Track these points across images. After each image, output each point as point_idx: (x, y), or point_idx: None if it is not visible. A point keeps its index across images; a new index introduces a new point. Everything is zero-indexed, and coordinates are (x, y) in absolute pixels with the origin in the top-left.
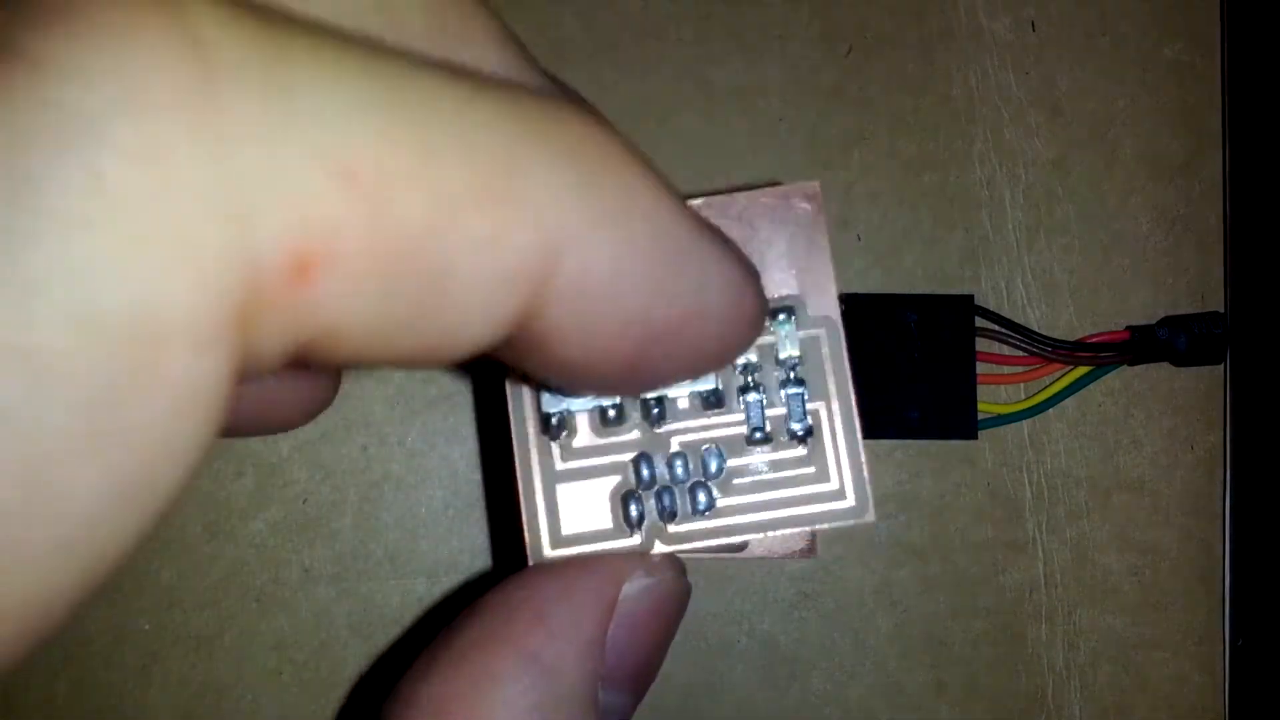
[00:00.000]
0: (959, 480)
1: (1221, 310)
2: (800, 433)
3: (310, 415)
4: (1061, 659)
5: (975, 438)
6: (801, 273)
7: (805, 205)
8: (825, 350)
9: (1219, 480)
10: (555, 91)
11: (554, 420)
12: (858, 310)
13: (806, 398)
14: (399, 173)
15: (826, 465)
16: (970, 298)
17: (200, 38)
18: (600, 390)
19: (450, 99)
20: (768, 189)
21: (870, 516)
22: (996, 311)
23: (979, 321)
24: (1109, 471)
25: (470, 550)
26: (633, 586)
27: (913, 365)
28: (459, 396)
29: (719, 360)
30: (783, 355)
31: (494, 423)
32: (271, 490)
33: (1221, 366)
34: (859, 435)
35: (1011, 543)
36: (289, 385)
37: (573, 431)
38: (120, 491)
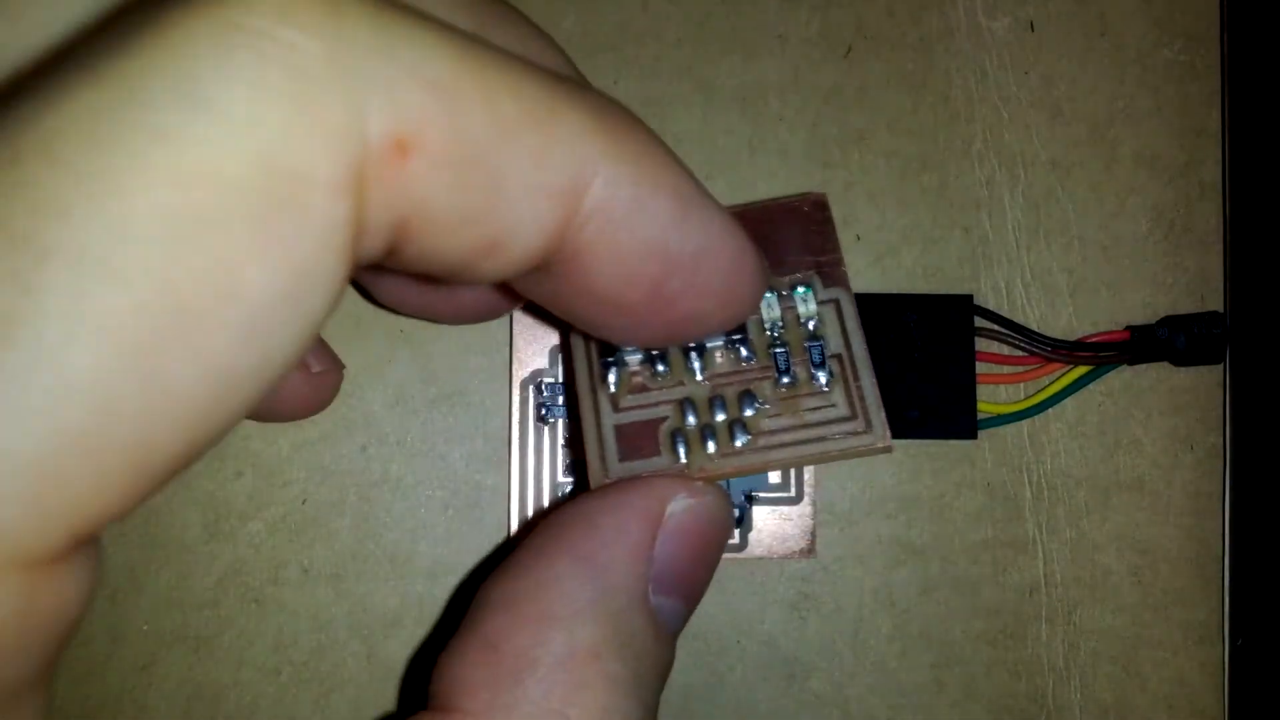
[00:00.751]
0: (959, 480)
1: (1221, 310)
2: (822, 379)
3: (317, 405)
4: (1061, 659)
5: (975, 437)
6: (817, 260)
7: (816, 207)
8: (841, 312)
9: (1219, 480)
10: (586, 83)
11: (610, 367)
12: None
13: (826, 348)
14: (467, 94)
15: (848, 400)
16: (969, 297)
17: None
18: (629, 328)
19: (504, 59)
20: (779, 199)
21: (888, 442)
22: (996, 311)
23: (978, 321)
24: (1109, 471)
25: (470, 550)
26: (678, 505)
27: (912, 365)
28: (459, 397)
29: (726, 307)
30: (803, 314)
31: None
32: (271, 490)
33: (1221, 366)
34: (873, 377)
35: (1011, 543)
36: (301, 375)
37: (626, 380)
38: (282, 292)
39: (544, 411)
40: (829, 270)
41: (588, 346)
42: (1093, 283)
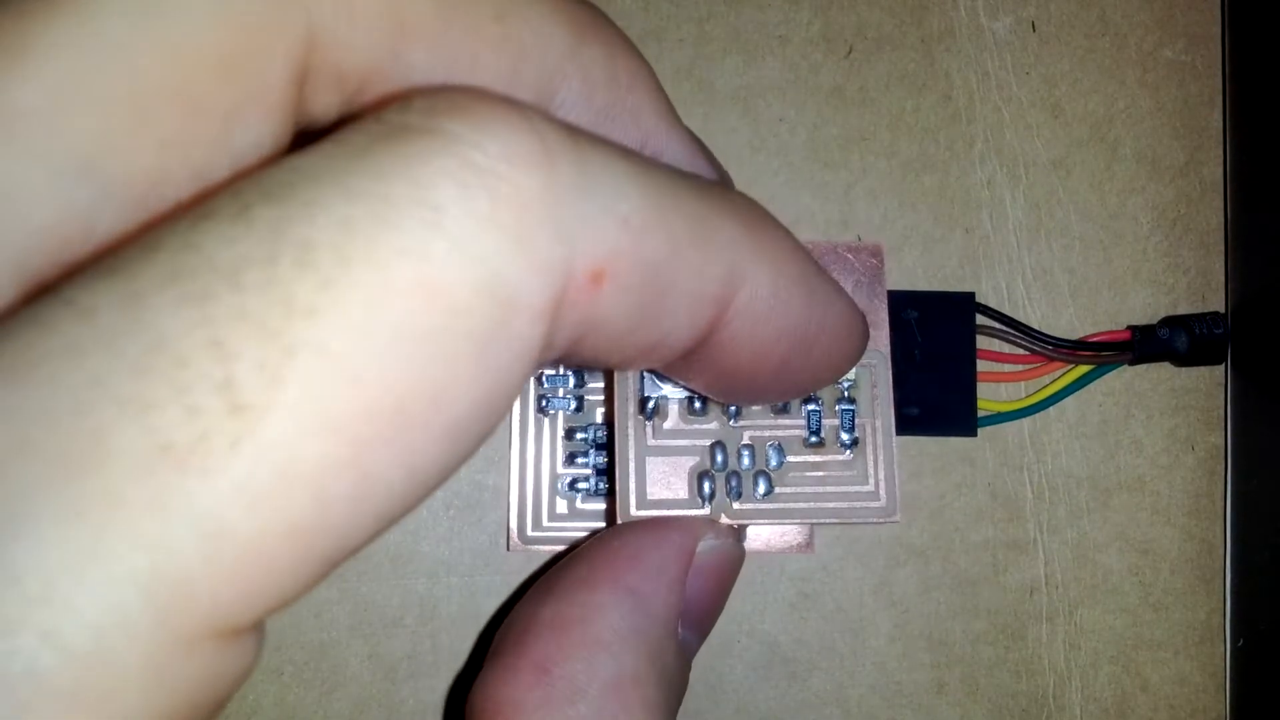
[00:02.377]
0: (959, 480)
1: (1222, 310)
2: (848, 442)
3: None
4: (1062, 659)
5: (975, 434)
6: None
7: (873, 260)
8: (876, 377)
9: (1220, 480)
10: (706, 152)
11: (650, 404)
12: None
13: (856, 414)
14: (650, 222)
15: (866, 471)
16: (971, 295)
17: (543, 133)
18: (747, 396)
19: (671, 178)
20: (842, 243)
21: (897, 518)
22: (998, 310)
23: (980, 319)
24: (1110, 471)
25: (470, 550)
26: (705, 544)
27: (913, 362)
28: None
29: (839, 370)
30: (841, 377)
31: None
32: None
33: (1222, 367)
34: (895, 450)
35: (1012, 542)
36: None
37: (665, 415)
38: (482, 403)
39: (544, 403)
40: (872, 328)
41: (632, 380)
42: (1094, 283)
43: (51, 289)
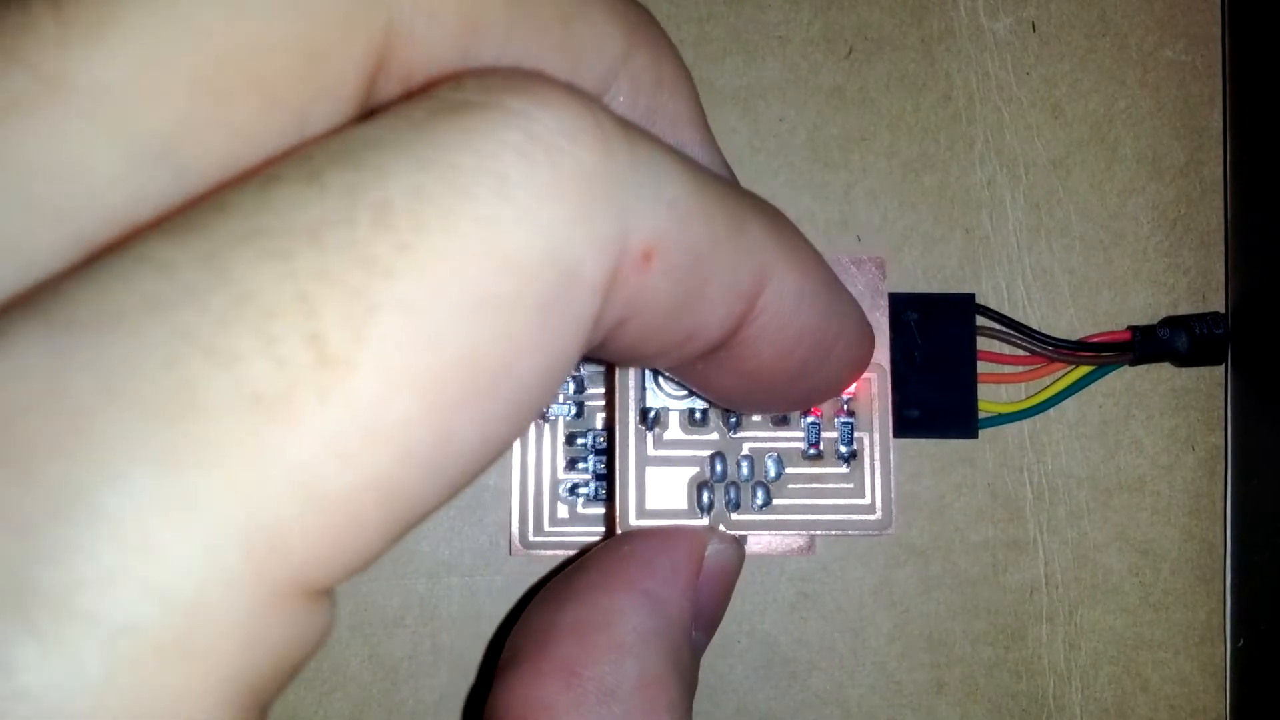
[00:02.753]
0: (959, 480)
1: (1222, 311)
2: (846, 454)
3: None
4: (1062, 659)
5: (975, 436)
6: None
7: (874, 272)
8: (874, 390)
9: (1220, 481)
10: (728, 167)
11: (651, 414)
12: None
13: (855, 428)
14: (694, 210)
15: (863, 484)
16: (971, 297)
17: (597, 114)
18: (761, 402)
19: (709, 174)
20: (846, 255)
21: (891, 530)
22: (998, 310)
23: (980, 320)
24: (1110, 471)
25: (471, 550)
26: (712, 549)
27: (913, 364)
28: None
29: (850, 378)
30: (846, 389)
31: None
32: None
33: (1223, 367)
34: (892, 463)
35: (1012, 542)
36: None
37: (665, 426)
38: (543, 372)
39: (544, 409)
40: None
41: (634, 390)
42: (1094, 283)
43: (118, 247)
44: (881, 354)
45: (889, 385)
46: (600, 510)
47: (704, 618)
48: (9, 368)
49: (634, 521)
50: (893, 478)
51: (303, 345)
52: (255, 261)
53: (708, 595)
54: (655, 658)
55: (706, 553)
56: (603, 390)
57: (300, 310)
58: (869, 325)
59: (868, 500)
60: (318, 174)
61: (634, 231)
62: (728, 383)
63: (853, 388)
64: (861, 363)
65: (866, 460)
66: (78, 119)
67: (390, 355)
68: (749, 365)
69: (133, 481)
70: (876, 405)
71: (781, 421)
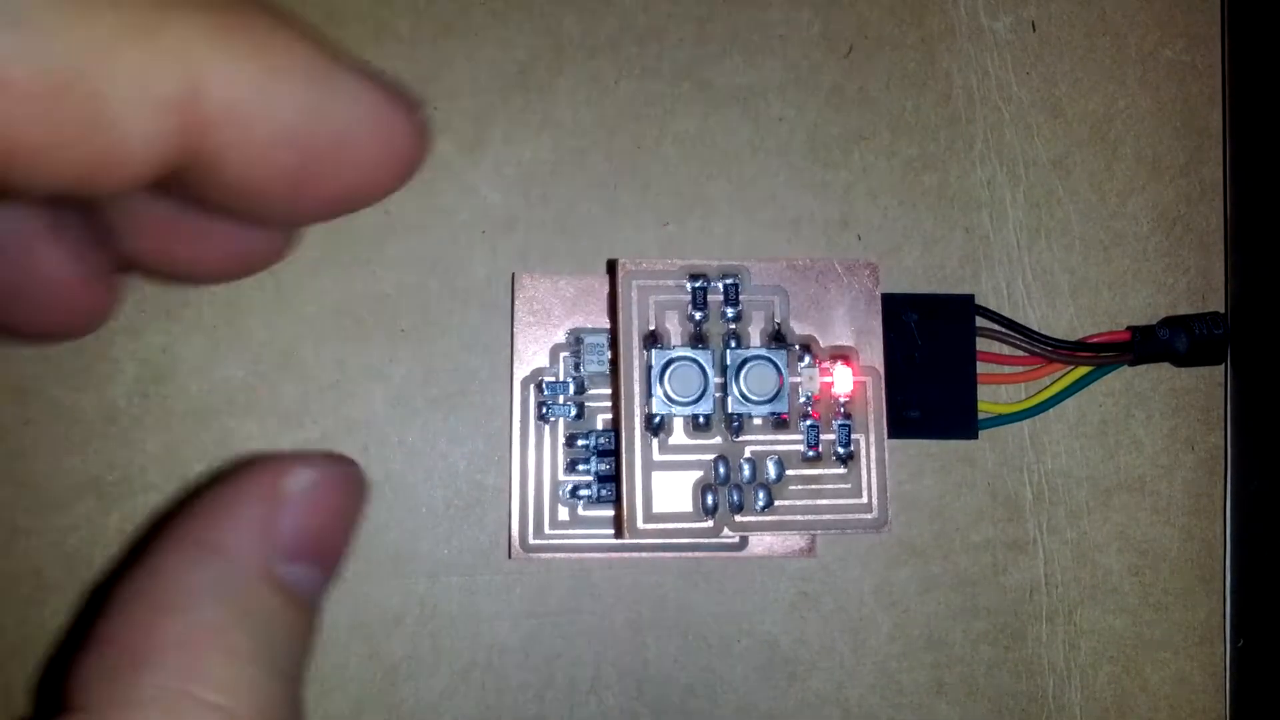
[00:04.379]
0: (959, 480)
1: (1222, 311)
2: (843, 456)
3: (87, 318)
4: (1062, 659)
5: (976, 437)
6: (857, 332)
7: (868, 277)
8: (870, 393)
9: (1220, 480)
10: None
11: (657, 420)
12: None
13: (852, 430)
14: (58, 18)
15: (860, 484)
16: (971, 297)
17: None
18: (279, 215)
19: None
20: (839, 260)
21: (888, 529)
22: (997, 311)
23: (980, 321)
24: (1110, 471)
25: (471, 550)
26: (300, 479)
27: (913, 365)
28: (459, 396)
29: (382, 180)
30: (837, 390)
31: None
32: None
33: (1222, 367)
34: (888, 464)
35: (1012, 543)
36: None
37: (670, 431)
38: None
39: (545, 410)
40: (867, 345)
41: (639, 396)
42: (1094, 283)
43: None
44: (876, 357)
45: (883, 388)
46: (601, 513)
47: (308, 550)
48: None
49: (641, 525)
50: (888, 477)
51: None
52: None
53: (301, 526)
54: (208, 609)
55: (291, 484)
56: (604, 391)
57: None
58: (400, 116)
59: (865, 500)
60: None
61: None
62: (226, 204)
63: (850, 389)
64: (397, 161)
65: (864, 461)
66: None
67: None
68: (230, 182)
69: None
70: (872, 407)
71: (781, 425)
